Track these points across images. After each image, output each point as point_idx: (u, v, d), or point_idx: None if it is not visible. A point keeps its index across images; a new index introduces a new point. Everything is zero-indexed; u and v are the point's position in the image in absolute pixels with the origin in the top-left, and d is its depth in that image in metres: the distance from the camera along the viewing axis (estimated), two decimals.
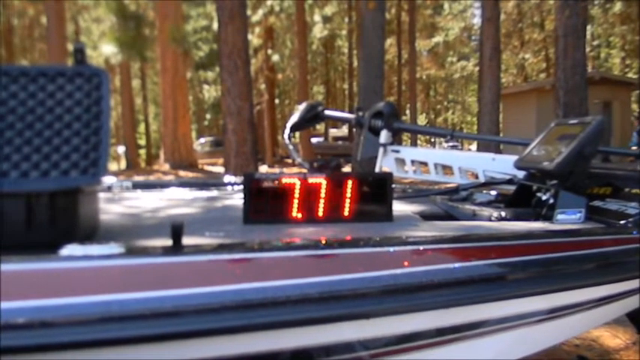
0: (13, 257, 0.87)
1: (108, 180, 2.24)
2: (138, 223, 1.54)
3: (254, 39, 19.17)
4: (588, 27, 15.62)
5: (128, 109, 22.25)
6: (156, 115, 30.07)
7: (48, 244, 0.95)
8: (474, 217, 1.71)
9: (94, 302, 0.82)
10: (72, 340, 0.79)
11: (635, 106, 17.87)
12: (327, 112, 2.68)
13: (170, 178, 13.09)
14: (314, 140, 22.04)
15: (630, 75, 23.55)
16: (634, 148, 9.03)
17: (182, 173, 14.70)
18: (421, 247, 1.11)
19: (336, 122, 14.69)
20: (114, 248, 0.92)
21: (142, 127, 30.37)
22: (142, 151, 28.36)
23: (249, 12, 14.16)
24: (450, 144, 21.56)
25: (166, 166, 15.82)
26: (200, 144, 23.19)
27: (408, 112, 27.31)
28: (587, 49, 12.31)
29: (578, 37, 9.93)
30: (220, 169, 13.20)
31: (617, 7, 23.70)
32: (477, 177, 2.30)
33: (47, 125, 1.18)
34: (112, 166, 20.73)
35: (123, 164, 22.27)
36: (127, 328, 0.82)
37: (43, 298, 0.81)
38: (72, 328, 0.79)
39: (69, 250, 0.91)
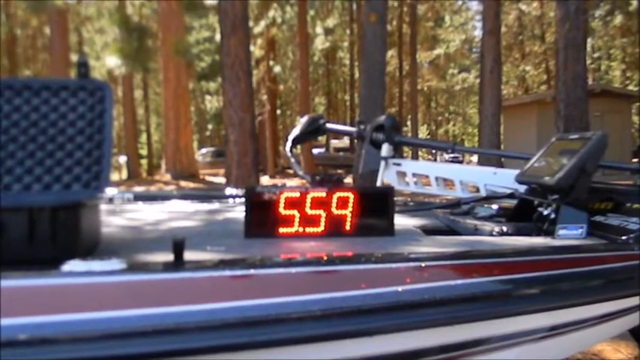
0: (14, 273, 0.86)
1: (109, 191, 2.24)
2: (139, 237, 1.54)
3: (256, 50, 19.24)
4: (589, 39, 15.70)
5: (130, 120, 22.31)
6: (158, 126, 30.19)
7: (49, 259, 0.95)
8: (475, 231, 1.70)
9: (96, 319, 0.82)
10: (72, 358, 0.78)
11: (635, 118, 17.89)
12: (329, 125, 2.68)
13: (171, 188, 13.10)
14: (315, 151, 22.05)
15: (631, 87, 23.65)
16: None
17: (183, 184, 14.71)
18: (424, 264, 1.11)
19: (338, 134, 14.72)
20: (115, 264, 0.92)
21: (143, 138, 30.42)
22: (144, 161, 28.38)
23: (251, 23, 14.23)
24: (451, 155, 21.61)
25: (168, 177, 15.84)
26: (202, 154, 23.25)
27: (409, 123, 27.42)
28: (588, 62, 12.36)
29: (579, 49, 9.97)
30: (222, 180, 13.20)
31: (618, 19, 23.81)
32: (478, 190, 2.29)
33: (50, 138, 1.18)
34: (114, 176, 20.73)
35: (124, 174, 22.30)
36: (128, 345, 0.81)
37: (44, 314, 0.81)
38: (73, 345, 0.79)
39: (70, 265, 0.91)
